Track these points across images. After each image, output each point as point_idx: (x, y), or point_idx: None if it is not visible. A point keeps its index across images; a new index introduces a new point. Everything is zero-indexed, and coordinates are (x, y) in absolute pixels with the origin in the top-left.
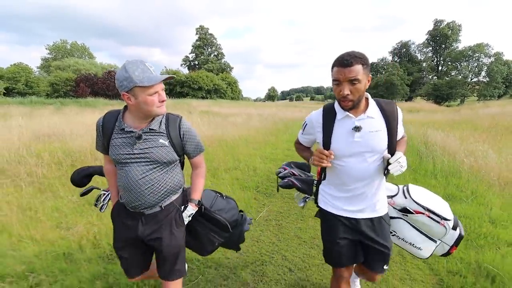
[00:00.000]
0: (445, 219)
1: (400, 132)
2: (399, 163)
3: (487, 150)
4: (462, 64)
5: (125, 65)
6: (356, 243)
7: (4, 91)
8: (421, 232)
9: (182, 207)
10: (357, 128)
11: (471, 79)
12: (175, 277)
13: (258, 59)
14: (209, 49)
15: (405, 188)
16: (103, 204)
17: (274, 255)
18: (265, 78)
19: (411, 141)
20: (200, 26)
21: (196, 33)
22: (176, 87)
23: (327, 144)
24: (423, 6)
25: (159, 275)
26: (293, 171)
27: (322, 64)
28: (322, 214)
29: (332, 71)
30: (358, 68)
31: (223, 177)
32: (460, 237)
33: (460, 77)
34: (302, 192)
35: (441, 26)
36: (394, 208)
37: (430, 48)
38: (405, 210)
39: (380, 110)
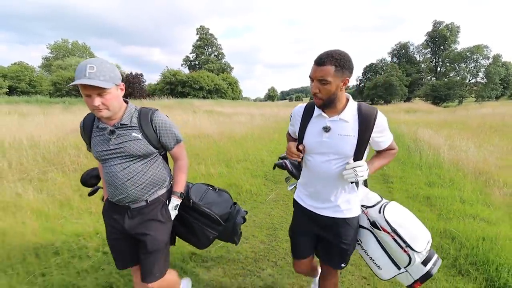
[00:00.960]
0: (411, 248)
1: (385, 142)
2: (355, 171)
3: (468, 146)
4: (460, 65)
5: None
6: (315, 237)
7: (7, 90)
8: (386, 253)
9: (168, 201)
10: (325, 129)
11: (469, 80)
12: (154, 279)
13: (258, 59)
14: (210, 49)
15: (384, 204)
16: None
17: (283, 223)
18: (265, 78)
19: (401, 138)
20: (200, 26)
21: (197, 33)
22: (177, 87)
23: (301, 137)
24: (423, 6)
25: (141, 275)
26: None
27: None
28: (294, 205)
29: None
30: (328, 69)
31: (236, 167)
32: (428, 275)
33: (458, 78)
34: (292, 176)
35: (440, 27)
36: (367, 218)
37: (429, 49)
38: (374, 224)
39: (358, 115)
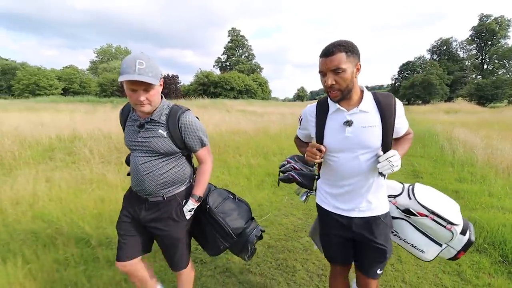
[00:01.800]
0: (452, 224)
1: (403, 128)
2: (390, 161)
3: (504, 145)
4: (510, 62)
5: (128, 55)
6: (349, 241)
7: (62, 90)
8: (426, 235)
9: (184, 201)
10: (348, 123)
11: None
12: (176, 267)
13: (287, 58)
14: (240, 50)
15: (410, 187)
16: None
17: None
18: (294, 78)
19: (436, 137)
20: (232, 28)
21: (228, 35)
22: (210, 88)
23: (319, 138)
24: (465, 1)
25: (168, 264)
26: (295, 165)
27: None
28: (318, 210)
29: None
30: (340, 57)
31: (272, 159)
32: (469, 243)
33: (508, 76)
34: (302, 186)
35: (488, 21)
36: (397, 207)
37: (474, 45)
38: (408, 212)
39: (376, 104)
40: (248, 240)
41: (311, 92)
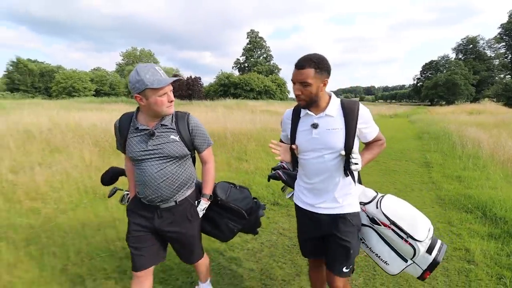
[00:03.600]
0: (412, 238)
1: (370, 133)
2: (352, 158)
3: (509, 142)
4: None
5: (136, 69)
6: (319, 239)
7: (94, 92)
8: (390, 247)
9: (196, 202)
10: (314, 125)
11: None
12: (194, 261)
13: None
14: (259, 52)
15: (380, 197)
16: (128, 203)
17: None
18: None
19: (449, 135)
20: (251, 30)
21: (247, 37)
22: (230, 89)
23: (292, 138)
24: None
25: (182, 260)
26: (285, 165)
27: (372, 62)
28: (295, 208)
29: None
30: (308, 72)
31: None
32: (435, 262)
33: None
34: (287, 185)
35: None
36: (366, 215)
37: (503, 44)
38: (373, 220)
39: (342, 109)
40: (257, 216)
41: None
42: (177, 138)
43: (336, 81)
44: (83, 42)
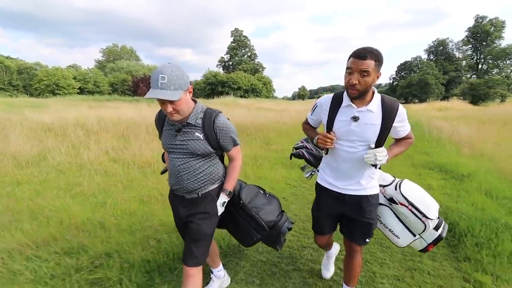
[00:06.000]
0: (427, 217)
1: (403, 131)
2: (375, 155)
3: (463, 129)
4: (504, 62)
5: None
6: (337, 217)
7: (77, 90)
8: (402, 223)
9: (216, 196)
10: (355, 118)
11: None
12: (192, 264)
13: (286, 57)
14: (243, 50)
15: (399, 182)
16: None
17: None
18: (292, 76)
19: (420, 125)
20: (235, 28)
21: (231, 36)
22: (218, 87)
23: (329, 125)
24: (465, 1)
25: (183, 256)
26: (307, 145)
27: None
28: (317, 188)
29: (348, 60)
30: (370, 63)
31: None
32: (439, 238)
33: (500, 76)
34: (309, 164)
35: (483, 22)
36: (384, 196)
37: (470, 46)
38: (391, 200)
39: (382, 106)
40: (280, 231)
41: (310, 91)
42: (201, 136)
43: (317, 79)
44: (54, 37)
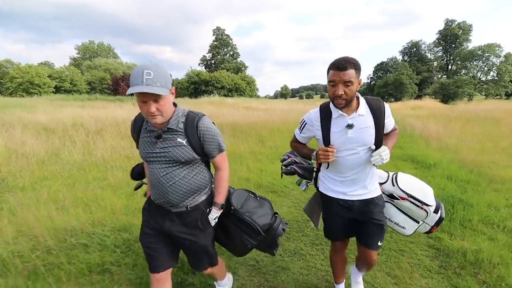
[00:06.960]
0: (426, 205)
1: (390, 125)
2: (381, 156)
3: (431, 126)
4: (471, 63)
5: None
6: (350, 222)
7: (54, 89)
8: (406, 214)
9: (208, 209)
10: (349, 126)
11: (480, 79)
12: (204, 268)
13: (266, 56)
14: (225, 49)
15: (394, 176)
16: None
17: None
18: (273, 75)
19: (396, 123)
20: (217, 27)
21: (213, 34)
22: (201, 86)
23: (326, 140)
24: (435, 4)
25: (189, 264)
26: (296, 159)
27: (331, 61)
28: (322, 198)
29: (328, 73)
30: (351, 72)
31: None
32: (440, 219)
33: (468, 76)
34: (303, 178)
35: (452, 26)
36: (383, 193)
37: (441, 48)
38: (391, 196)
39: (369, 108)
40: (276, 234)
41: (291, 90)
42: (184, 141)
43: (297, 79)
44: (22, 32)
